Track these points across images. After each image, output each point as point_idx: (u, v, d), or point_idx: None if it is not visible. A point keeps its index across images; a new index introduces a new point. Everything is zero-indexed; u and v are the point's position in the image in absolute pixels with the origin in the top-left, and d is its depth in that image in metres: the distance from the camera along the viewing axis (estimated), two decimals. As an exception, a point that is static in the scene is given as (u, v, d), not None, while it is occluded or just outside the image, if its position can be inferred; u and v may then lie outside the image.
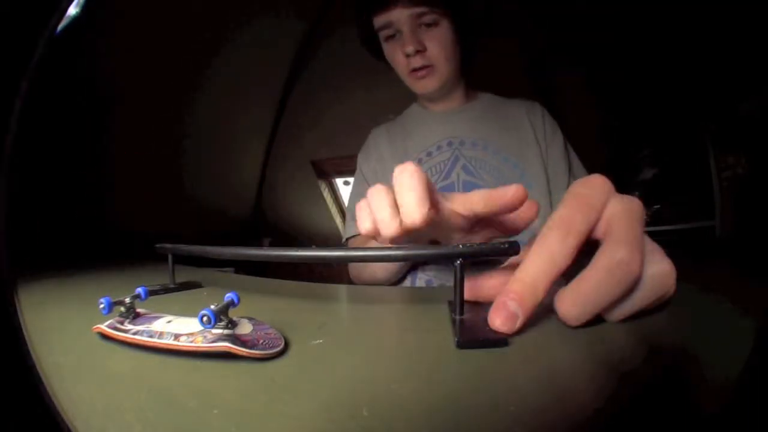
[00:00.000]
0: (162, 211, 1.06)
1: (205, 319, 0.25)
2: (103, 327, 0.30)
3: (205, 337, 0.26)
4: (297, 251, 0.35)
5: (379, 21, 0.65)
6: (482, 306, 0.32)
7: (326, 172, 1.61)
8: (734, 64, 0.84)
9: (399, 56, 0.67)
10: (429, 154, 0.72)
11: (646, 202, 1.19)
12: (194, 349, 0.25)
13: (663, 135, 1.17)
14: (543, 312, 0.30)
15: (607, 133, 1.19)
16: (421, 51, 0.64)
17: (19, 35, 0.22)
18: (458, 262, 0.29)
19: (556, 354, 0.25)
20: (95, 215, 0.89)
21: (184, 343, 0.26)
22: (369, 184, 0.79)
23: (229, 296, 0.27)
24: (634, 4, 0.98)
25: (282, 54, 1.43)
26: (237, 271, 0.94)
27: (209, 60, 1.18)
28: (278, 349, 0.26)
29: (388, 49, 0.69)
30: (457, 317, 0.29)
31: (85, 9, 0.70)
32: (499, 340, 0.26)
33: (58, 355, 0.28)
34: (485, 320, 0.28)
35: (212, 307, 0.26)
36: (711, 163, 1.06)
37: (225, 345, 0.25)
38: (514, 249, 0.29)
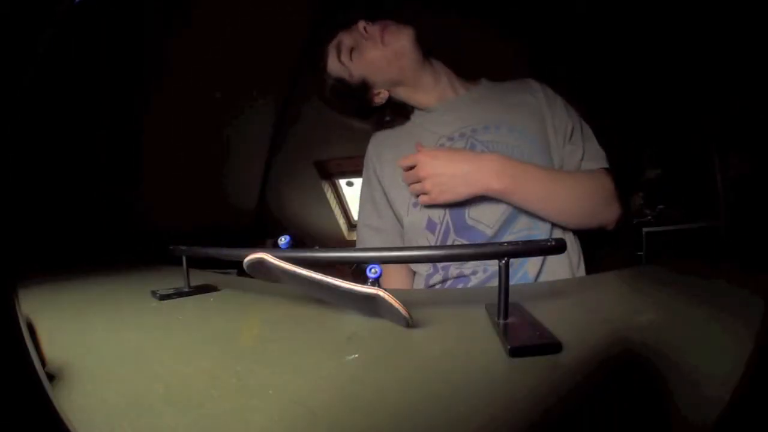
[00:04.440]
0: (164, 212, 1.06)
1: (373, 270, 0.30)
2: (268, 256, 0.33)
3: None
4: (314, 252, 0.34)
5: None
6: (525, 310, 0.30)
7: (329, 172, 1.60)
8: (738, 62, 0.84)
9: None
10: (442, 147, 0.72)
11: (650, 202, 1.19)
12: (356, 288, 0.29)
13: (666, 135, 1.16)
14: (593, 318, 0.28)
15: (609, 134, 1.19)
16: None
17: (25, 38, 0.22)
18: (503, 261, 0.27)
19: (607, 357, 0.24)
20: (94, 216, 0.89)
21: (345, 285, 0.29)
22: (371, 186, 0.80)
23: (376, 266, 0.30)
24: (637, 2, 0.98)
25: (283, 55, 1.43)
26: (240, 273, 0.94)
27: (210, 62, 1.18)
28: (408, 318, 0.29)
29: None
30: (501, 321, 0.28)
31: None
32: (553, 345, 0.24)
33: (59, 355, 0.28)
34: (532, 324, 0.26)
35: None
36: (715, 162, 1.05)
37: (380, 291, 0.28)
38: (560, 246, 0.27)
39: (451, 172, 0.61)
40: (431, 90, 0.76)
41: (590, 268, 0.72)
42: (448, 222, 0.68)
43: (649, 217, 1.16)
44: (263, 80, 1.42)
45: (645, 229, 1.14)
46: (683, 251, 1.08)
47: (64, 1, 0.22)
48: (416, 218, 0.71)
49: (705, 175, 1.05)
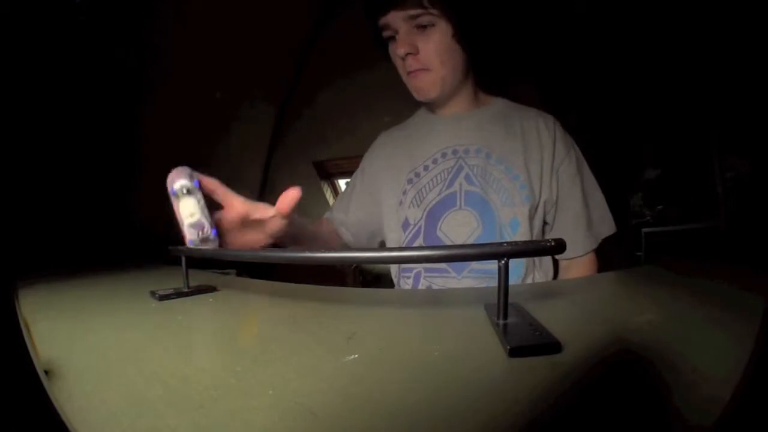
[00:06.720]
0: (164, 212, 1.06)
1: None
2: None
3: None
4: (313, 252, 0.34)
5: (380, 23, 0.66)
6: (525, 310, 0.30)
7: (328, 172, 1.61)
8: (738, 62, 0.84)
9: (397, 58, 0.67)
10: (434, 161, 0.73)
11: (650, 202, 1.19)
12: None
13: (666, 135, 1.16)
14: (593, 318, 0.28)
15: (610, 134, 1.19)
16: (412, 53, 0.64)
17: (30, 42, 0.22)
18: (503, 261, 0.27)
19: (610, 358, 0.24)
20: (94, 216, 0.88)
21: None
22: (365, 182, 0.82)
23: None
24: (639, 4, 0.98)
25: (283, 55, 1.42)
26: (239, 274, 0.94)
27: (210, 62, 1.18)
28: None
29: (390, 50, 0.69)
30: (500, 321, 0.27)
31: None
32: (553, 345, 0.24)
33: (58, 355, 0.28)
34: (531, 324, 0.27)
35: None
36: (715, 162, 1.05)
37: None
38: (560, 246, 0.27)
39: None
40: (451, 99, 0.74)
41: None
42: (420, 227, 0.70)
43: (649, 218, 1.16)
44: (263, 80, 1.42)
45: (645, 229, 1.14)
46: (683, 251, 1.08)
47: (64, 1, 0.22)
48: (398, 216, 0.74)
49: (705, 175, 1.05)
